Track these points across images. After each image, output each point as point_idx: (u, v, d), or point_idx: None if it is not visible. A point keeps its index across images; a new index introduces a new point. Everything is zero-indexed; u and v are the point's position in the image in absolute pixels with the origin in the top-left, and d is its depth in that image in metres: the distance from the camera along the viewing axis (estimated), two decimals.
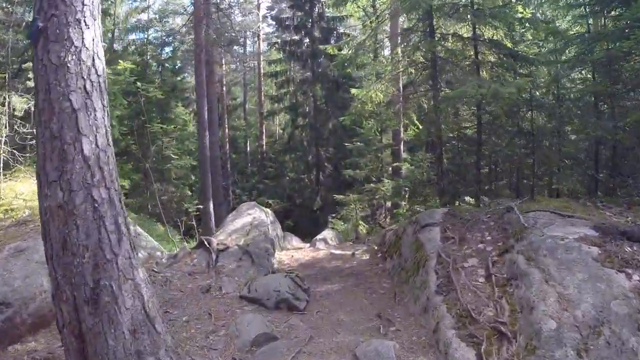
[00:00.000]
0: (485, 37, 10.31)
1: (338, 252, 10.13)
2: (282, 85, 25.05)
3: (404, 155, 18.94)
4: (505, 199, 9.06)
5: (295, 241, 11.42)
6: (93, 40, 4.06)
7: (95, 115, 3.90)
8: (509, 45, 10.27)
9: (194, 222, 12.88)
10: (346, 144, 19.25)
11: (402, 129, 18.56)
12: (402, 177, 18.38)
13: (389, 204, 18.59)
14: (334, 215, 17.49)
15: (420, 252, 7.08)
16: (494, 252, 6.48)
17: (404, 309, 6.66)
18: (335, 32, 24.00)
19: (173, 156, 14.95)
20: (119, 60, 11.93)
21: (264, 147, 31.54)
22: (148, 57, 24.42)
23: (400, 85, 13.66)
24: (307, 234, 23.67)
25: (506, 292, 5.41)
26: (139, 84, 11.77)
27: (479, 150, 10.45)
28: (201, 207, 15.22)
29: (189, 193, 24.34)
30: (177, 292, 7.02)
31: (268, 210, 10.54)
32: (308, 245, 10.97)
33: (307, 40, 24.32)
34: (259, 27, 34.92)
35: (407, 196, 17.75)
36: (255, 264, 7.85)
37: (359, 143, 18.66)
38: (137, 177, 21.11)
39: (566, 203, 7.61)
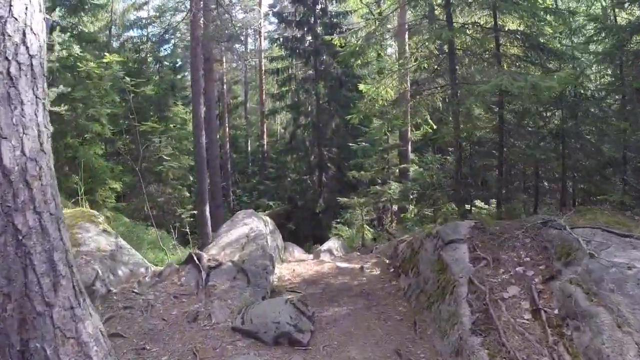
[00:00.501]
0: (508, 28, 9.14)
1: (345, 265, 8.99)
2: (284, 83, 23.89)
3: (411, 156, 17.81)
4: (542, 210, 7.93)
5: (298, 252, 10.29)
6: (26, 9, 2.93)
7: (22, 110, 2.76)
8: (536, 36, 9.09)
9: (187, 229, 11.73)
10: (350, 144, 18.10)
11: (409, 129, 17.45)
12: (410, 180, 17.28)
13: (395, 207, 17.45)
14: (338, 220, 16.33)
15: (446, 275, 5.94)
16: (537, 279, 5.36)
17: (427, 344, 5.52)
18: (338, 28, 22.82)
19: (165, 157, 13.77)
20: (105, 53, 10.77)
21: (265, 146, 30.42)
22: (145, 54, 23.25)
23: (408, 81, 12.46)
24: (309, 237, 22.59)
25: (563, 335, 4.27)
26: (127, 79, 10.56)
27: (501, 154, 9.30)
28: (195, 212, 14.04)
29: (187, 194, 23.25)
30: (159, 321, 5.88)
31: (267, 218, 9.40)
32: (311, 257, 9.85)
33: (309, 36, 23.15)
34: (260, 23, 33.76)
35: (415, 200, 16.66)
36: (251, 284, 6.71)
37: (364, 143, 17.51)
38: (133, 179, 20.03)
39: (616, 218, 6.45)
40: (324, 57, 22.77)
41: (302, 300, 6.26)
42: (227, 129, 32.48)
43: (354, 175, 17.67)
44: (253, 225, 8.26)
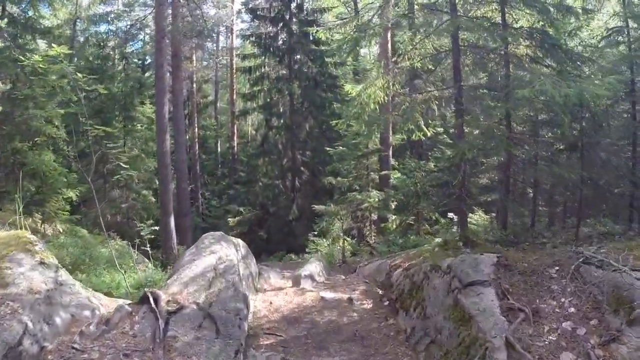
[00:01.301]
0: (520, 25, 7.89)
1: (330, 295, 7.59)
2: (256, 82, 22.25)
3: (392, 162, 16.53)
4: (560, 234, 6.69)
5: (274, 277, 8.82)
6: None
7: None
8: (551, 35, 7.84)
9: (148, 247, 10.14)
10: (327, 148, 16.71)
11: (390, 133, 16.17)
12: (391, 187, 16.00)
13: (375, 216, 16.13)
14: (314, 232, 14.90)
15: (470, 330, 4.60)
16: (593, 340, 4.08)
17: None
18: (315, 24, 21.38)
19: (123, 165, 12.08)
20: (53, 45, 9.09)
21: (236, 148, 28.76)
22: (109, 50, 21.31)
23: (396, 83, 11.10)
24: (282, 246, 21.10)
25: None
26: (78, 75, 8.90)
27: (508, 168, 8.02)
28: (157, 228, 12.40)
29: (153, 199, 21.51)
30: None
31: (239, 241, 7.88)
32: (290, 284, 8.41)
33: (284, 34, 21.65)
34: (232, 20, 32.04)
35: (396, 209, 15.37)
36: (221, 334, 5.25)
37: (341, 147, 16.13)
38: (94, 184, 18.14)
39: None
40: (299, 55, 21.32)
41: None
42: (197, 129, 30.67)
43: (330, 182, 16.28)
44: (222, 254, 6.77)
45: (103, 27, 24.52)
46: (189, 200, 19.37)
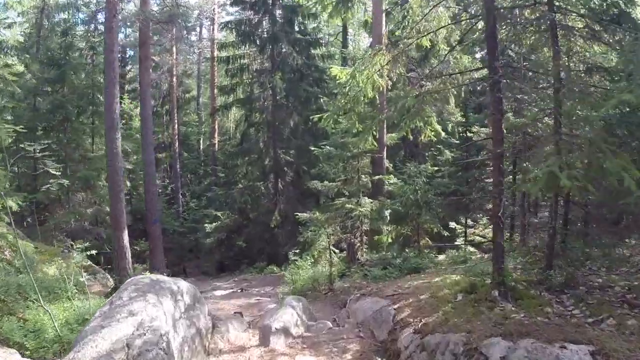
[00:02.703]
0: None
1: None
2: (235, 73, 19.56)
3: (387, 164, 14.05)
4: None
5: (235, 330, 6.25)
6: None
7: None
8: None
9: (85, 275, 7.62)
10: (312, 148, 14.16)
11: (384, 130, 13.70)
12: (385, 194, 13.55)
13: (366, 226, 13.63)
14: (296, 249, 12.38)
15: None
16: None
17: None
18: (300, 11, 18.81)
19: (52, 171, 9.49)
20: None
21: (216, 146, 26.13)
22: (73, 38, 18.49)
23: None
24: (263, 255, 18.58)
25: None
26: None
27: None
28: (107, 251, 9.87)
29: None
30: None
31: (182, 286, 5.29)
32: (256, 340, 5.91)
33: (266, 21, 19.00)
34: (213, 10, 29.34)
35: (392, 219, 12.91)
36: None
37: (328, 147, 13.59)
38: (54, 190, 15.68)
39: None
40: (283, 45, 18.68)
41: None
42: (177, 125, 27.97)
43: (316, 187, 13.74)
44: (145, 317, 4.25)
45: (67, 15, 21.84)
46: (158, 205, 16.79)
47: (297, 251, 11.67)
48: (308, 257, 11.60)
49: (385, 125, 13.18)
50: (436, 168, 12.25)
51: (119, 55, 26.45)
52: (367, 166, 13.70)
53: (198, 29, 34.21)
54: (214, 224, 18.07)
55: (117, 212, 10.16)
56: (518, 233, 10.73)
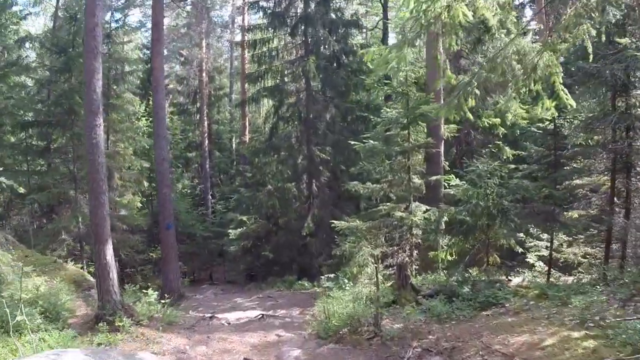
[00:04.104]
0: None
1: None
2: (264, 59, 16.75)
3: (444, 163, 11.05)
4: None
5: None
6: None
7: None
8: None
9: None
10: (352, 143, 11.29)
11: (442, 121, 10.74)
12: (441, 199, 10.61)
13: (417, 238, 10.69)
14: (330, 261, 9.52)
15: None
16: None
17: None
18: None
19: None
20: None
21: (247, 144, 23.55)
22: (81, 24, 16.15)
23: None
24: (293, 268, 15.75)
25: None
26: None
27: None
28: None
29: (139, 204, 16.54)
30: None
31: None
32: None
33: (299, 0, 16.27)
34: None
35: (454, 232, 9.91)
36: None
37: (371, 141, 10.73)
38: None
39: None
40: (318, 28, 15.85)
41: None
42: (206, 123, 25.69)
43: (357, 189, 10.91)
44: None
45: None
46: (172, 209, 14.27)
47: (332, 275, 8.78)
48: (346, 281, 8.77)
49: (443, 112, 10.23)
50: (513, 166, 9.16)
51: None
52: (419, 164, 10.76)
53: (227, 18, 31.61)
54: (239, 229, 15.40)
55: (98, 220, 7.60)
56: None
